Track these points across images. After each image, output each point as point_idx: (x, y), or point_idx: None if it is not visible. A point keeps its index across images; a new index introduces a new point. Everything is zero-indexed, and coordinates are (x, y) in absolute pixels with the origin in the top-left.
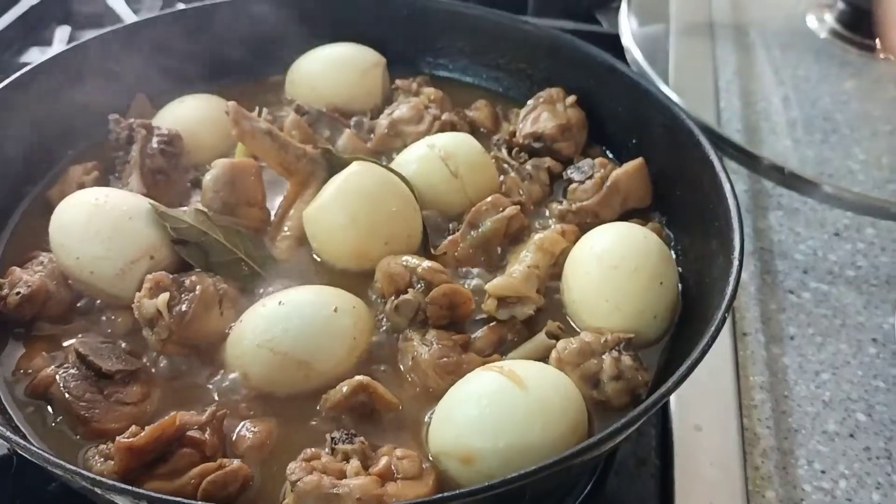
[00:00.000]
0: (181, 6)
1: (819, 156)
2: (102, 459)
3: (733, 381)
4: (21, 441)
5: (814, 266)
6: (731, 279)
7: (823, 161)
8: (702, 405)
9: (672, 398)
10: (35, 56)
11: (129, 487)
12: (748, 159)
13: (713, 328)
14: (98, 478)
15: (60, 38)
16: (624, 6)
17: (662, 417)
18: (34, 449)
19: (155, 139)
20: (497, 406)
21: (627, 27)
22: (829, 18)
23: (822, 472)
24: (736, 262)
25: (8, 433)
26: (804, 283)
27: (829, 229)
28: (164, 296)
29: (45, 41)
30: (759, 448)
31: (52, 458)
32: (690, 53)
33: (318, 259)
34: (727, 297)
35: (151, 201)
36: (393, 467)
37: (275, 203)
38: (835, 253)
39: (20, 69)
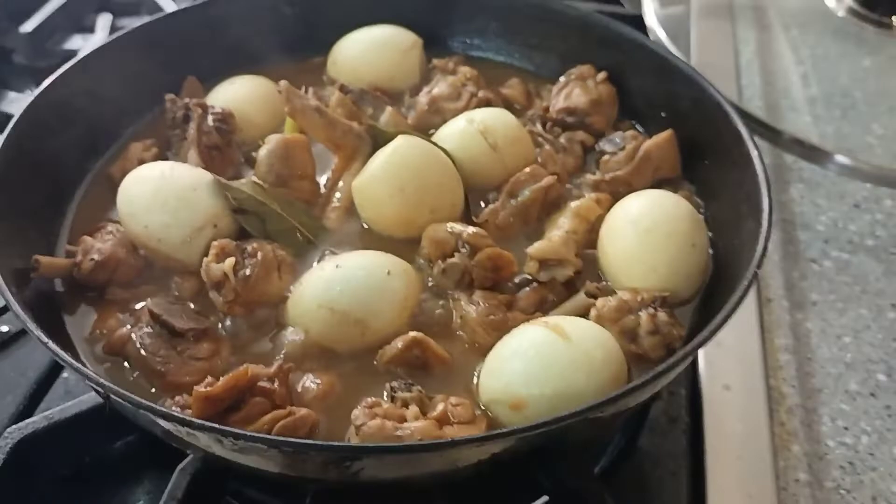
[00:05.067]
0: None
1: (838, 131)
2: (179, 409)
3: (759, 344)
4: (114, 387)
5: (835, 236)
6: (762, 237)
7: (842, 136)
8: (730, 367)
9: (701, 360)
10: (78, 43)
11: (217, 426)
12: (770, 133)
13: (746, 282)
14: (188, 418)
15: (103, 25)
16: None
17: (692, 378)
18: (126, 394)
19: (210, 117)
20: (544, 356)
21: (651, 7)
22: None
23: (845, 428)
24: (765, 223)
25: (102, 380)
26: (826, 252)
27: (848, 201)
28: (230, 260)
29: (88, 28)
30: (784, 406)
31: (145, 403)
32: (711, 34)
33: (367, 227)
34: (758, 254)
35: (213, 174)
36: (449, 413)
37: (322, 177)
38: (854, 223)
39: (64, 56)
